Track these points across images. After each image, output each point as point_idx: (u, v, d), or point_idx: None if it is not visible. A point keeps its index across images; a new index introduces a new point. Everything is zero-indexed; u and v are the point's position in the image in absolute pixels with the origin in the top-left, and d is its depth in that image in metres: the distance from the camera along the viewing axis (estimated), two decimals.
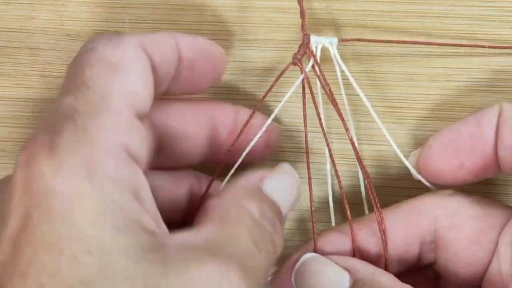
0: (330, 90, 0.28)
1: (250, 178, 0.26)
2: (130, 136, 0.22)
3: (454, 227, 0.27)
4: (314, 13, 0.30)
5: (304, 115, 0.28)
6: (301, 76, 0.28)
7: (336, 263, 0.27)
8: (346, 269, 0.26)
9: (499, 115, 0.26)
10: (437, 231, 0.27)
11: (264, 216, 0.24)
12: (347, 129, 0.28)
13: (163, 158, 0.27)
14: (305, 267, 0.27)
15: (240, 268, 0.21)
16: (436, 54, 0.30)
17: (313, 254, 0.28)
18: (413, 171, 0.29)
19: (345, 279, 0.26)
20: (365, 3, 0.30)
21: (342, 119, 0.28)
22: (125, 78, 0.23)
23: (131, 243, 0.20)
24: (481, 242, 0.26)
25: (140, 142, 0.23)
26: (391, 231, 0.27)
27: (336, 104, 0.28)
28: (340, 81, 0.29)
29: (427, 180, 0.29)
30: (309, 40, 0.28)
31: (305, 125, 0.28)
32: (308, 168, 0.29)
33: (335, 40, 0.29)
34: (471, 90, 0.30)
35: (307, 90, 0.28)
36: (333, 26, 0.30)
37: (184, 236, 0.22)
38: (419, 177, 0.29)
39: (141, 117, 0.24)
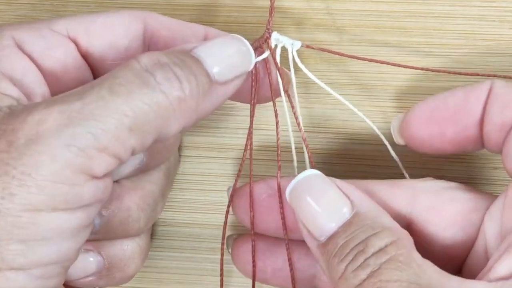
0: (283, 86, 0.27)
1: (185, 45, 0.25)
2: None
3: (434, 208, 0.26)
4: (314, 13, 0.30)
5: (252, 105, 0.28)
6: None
7: (339, 187, 0.24)
8: (349, 198, 0.24)
9: (489, 91, 0.26)
10: (414, 212, 0.26)
11: (155, 64, 0.22)
12: (297, 118, 0.27)
13: None
14: (304, 184, 0.25)
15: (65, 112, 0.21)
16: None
17: (316, 171, 0.25)
18: (395, 135, 0.28)
19: (346, 207, 0.24)
20: (365, 3, 0.30)
21: (294, 113, 0.27)
22: None
23: None
24: (463, 224, 0.25)
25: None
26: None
27: (292, 104, 0.27)
28: (294, 83, 0.28)
29: (408, 145, 0.28)
30: (269, 35, 0.27)
31: (252, 116, 0.28)
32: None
33: (298, 43, 0.28)
34: None
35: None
36: (333, 26, 0.30)
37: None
38: (400, 141, 0.28)
39: None
